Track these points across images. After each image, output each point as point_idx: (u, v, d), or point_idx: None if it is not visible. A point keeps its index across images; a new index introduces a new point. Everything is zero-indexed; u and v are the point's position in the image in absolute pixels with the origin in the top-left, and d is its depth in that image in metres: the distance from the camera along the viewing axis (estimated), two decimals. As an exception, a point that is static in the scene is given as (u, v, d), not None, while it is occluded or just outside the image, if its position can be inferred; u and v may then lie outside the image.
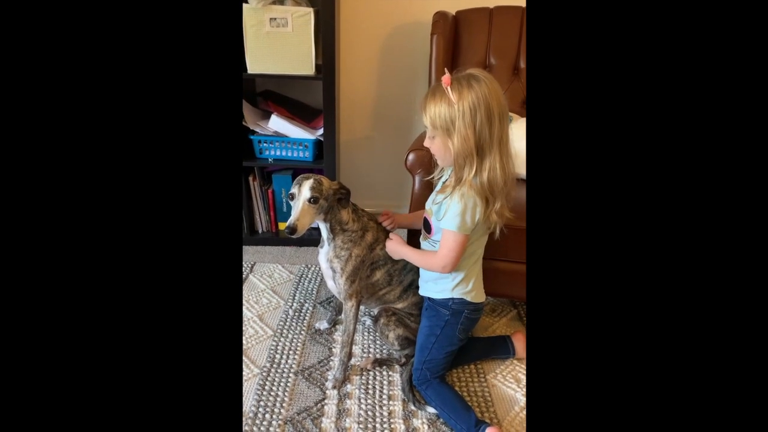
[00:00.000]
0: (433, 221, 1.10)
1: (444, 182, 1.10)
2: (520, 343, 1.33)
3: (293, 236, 1.07)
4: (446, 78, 0.96)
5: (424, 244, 1.17)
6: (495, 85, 0.96)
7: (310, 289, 1.64)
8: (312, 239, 1.89)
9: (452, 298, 1.13)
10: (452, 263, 1.06)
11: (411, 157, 1.46)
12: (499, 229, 1.08)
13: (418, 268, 1.22)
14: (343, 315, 1.26)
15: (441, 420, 1.13)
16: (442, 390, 1.15)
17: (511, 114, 1.61)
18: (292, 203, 1.11)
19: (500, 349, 1.33)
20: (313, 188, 1.09)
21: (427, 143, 1.05)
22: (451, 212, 1.01)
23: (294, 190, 1.11)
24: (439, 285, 1.15)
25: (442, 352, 1.16)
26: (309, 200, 1.09)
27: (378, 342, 1.39)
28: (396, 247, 1.18)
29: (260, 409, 1.13)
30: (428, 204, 1.13)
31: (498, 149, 0.97)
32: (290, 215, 1.10)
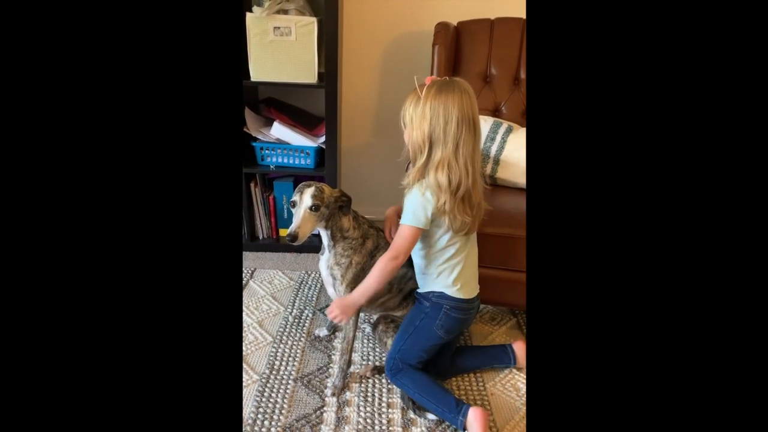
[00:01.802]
0: None
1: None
2: (521, 351, 1.32)
3: (294, 243, 1.08)
4: (429, 78, 1.04)
5: None
6: (464, 97, 1.01)
7: (310, 295, 1.64)
8: (313, 246, 1.90)
9: (432, 291, 1.16)
10: (402, 253, 1.08)
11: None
12: (453, 228, 1.07)
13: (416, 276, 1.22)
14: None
15: (432, 421, 1.12)
16: (417, 376, 1.15)
17: (511, 123, 1.63)
18: (293, 211, 1.12)
19: (500, 357, 1.33)
20: (314, 196, 1.10)
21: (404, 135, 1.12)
22: (406, 205, 1.08)
23: (296, 197, 1.12)
24: (422, 279, 1.19)
25: (416, 344, 1.16)
26: (310, 208, 1.10)
27: (377, 349, 1.39)
28: (344, 304, 1.11)
29: (259, 416, 1.13)
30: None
31: (453, 152, 1.02)
32: (291, 222, 1.10)
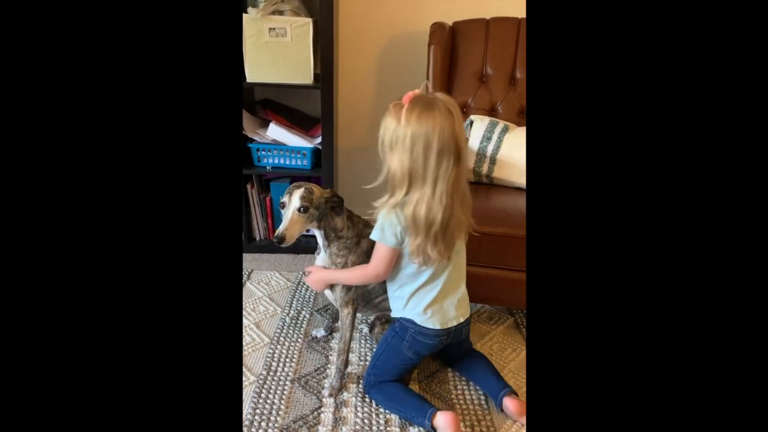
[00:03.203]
0: None
1: None
2: (510, 405, 1.14)
3: (282, 246, 1.08)
4: (407, 96, 0.96)
5: None
6: (447, 121, 0.93)
7: (307, 296, 1.64)
8: (309, 247, 1.90)
9: (402, 317, 1.13)
10: (384, 272, 1.08)
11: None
12: (419, 264, 1.04)
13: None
14: (339, 323, 1.26)
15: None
16: (386, 387, 1.17)
17: (507, 123, 1.63)
18: (282, 212, 1.12)
19: (492, 390, 1.20)
20: (303, 197, 1.09)
21: None
22: (377, 223, 1.04)
23: (284, 199, 1.12)
24: (394, 303, 1.16)
25: (387, 363, 1.17)
26: (299, 209, 1.09)
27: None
28: (319, 276, 1.18)
29: (256, 417, 1.12)
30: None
31: (432, 186, 0.95)
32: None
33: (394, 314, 1.17)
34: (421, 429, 1.12)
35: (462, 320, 1.13)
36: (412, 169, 0.95)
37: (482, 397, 1.23)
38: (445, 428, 1.05)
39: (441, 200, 0.96)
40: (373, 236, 1.06)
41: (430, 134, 0.92)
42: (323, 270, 1.20)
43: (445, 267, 1.08)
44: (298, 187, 1.11)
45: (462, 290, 1.14)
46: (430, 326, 1.10)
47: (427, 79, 1.70)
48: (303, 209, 1.09)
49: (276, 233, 1.08)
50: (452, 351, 1.26)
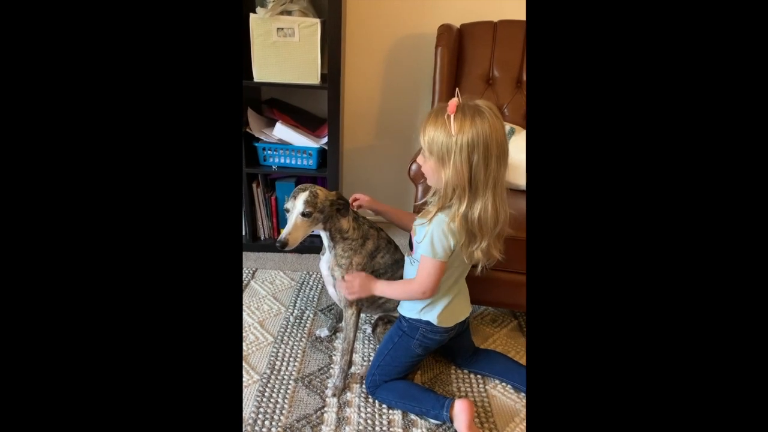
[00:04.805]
0: (414, 241, 1.10)
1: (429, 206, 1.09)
2: None
3: (284, 250, 1.07)
4: (452, 105, 0.94)
5: (407, 260, 1.18)
6: (498, 124, 0.94)
7: (311, 296, 1.65)
8: (314, 247, 1.90)
9: (415, 318, 1.14)
10: (432, 288, 1.06)
11: (414, 167, 1.48)
12: (482, 266, 1.07)
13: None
14: (343, 323, 1.27)
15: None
16: (393, 385, 1.17)
17: (513, 126, 1.63)
18: (287, 216, 1.11)
19: (519, 378, 1.25)
20: (307, 202, 1.08)
21: (419, 160, 1.04)
22: (427, 238, 1.01)
23: (289, 203, 1.11)
24: (410, 304, 1.16)
25: (395, 361, 1.18)
26: (302, 214, 1.08)
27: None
28: (366, 282, 1.13)
29: (259, 416, 1.13)
30: (415, 222, 1.10)
31: (492, 191, 0.96)
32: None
33: (405, 314, 1.17)
34: (427, 426, 1.12)
35: (468, 314, 1.21)
36: (472, 178, 0.94)
37: (485, 399, 1.23)
38: (460, 413, 1.06)
39: (504, 202, 0.99)
40: (423, 252, 1.03)
41: (489, 140, 0.92)
42: (371, 279, 1.15)
43: (462, 274, 1.13)
44: (303, 191, 1.10)
45: (466, 287, 1.21)
46: (444, 325, 1.14)
47: (434, 81, 1.70)
48: (307, 214, 1.08)
49: (279, 238, 1.07)
50: (457, 345, 1.28)
